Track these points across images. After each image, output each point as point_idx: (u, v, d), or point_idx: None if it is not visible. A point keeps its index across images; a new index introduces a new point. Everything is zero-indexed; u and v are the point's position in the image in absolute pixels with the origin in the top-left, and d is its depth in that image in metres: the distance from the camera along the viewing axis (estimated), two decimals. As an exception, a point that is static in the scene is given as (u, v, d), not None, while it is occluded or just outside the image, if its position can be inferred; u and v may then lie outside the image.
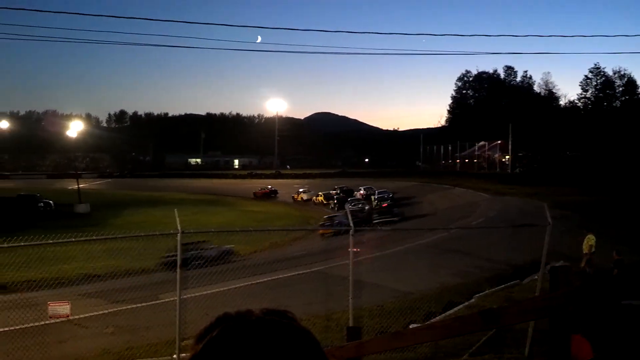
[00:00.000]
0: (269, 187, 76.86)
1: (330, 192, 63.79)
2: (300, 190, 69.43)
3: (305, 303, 15.92)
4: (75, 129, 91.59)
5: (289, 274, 21.58)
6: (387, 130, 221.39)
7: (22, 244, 9.36)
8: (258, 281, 20.25)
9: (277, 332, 0.99)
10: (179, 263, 9.51)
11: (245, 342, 0.96)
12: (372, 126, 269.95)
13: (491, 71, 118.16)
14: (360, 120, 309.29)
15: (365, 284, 16.42)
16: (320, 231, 34.18)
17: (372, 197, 57.68)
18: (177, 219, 9.49)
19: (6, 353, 10.48)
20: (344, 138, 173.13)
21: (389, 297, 17.44)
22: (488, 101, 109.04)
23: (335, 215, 43.36)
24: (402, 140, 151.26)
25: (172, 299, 12.16)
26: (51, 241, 10.16)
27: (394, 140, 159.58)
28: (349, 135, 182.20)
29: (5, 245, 8.97)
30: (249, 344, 0.96)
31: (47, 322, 11.10)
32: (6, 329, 11.70)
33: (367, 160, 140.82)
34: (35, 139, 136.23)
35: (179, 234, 9.37)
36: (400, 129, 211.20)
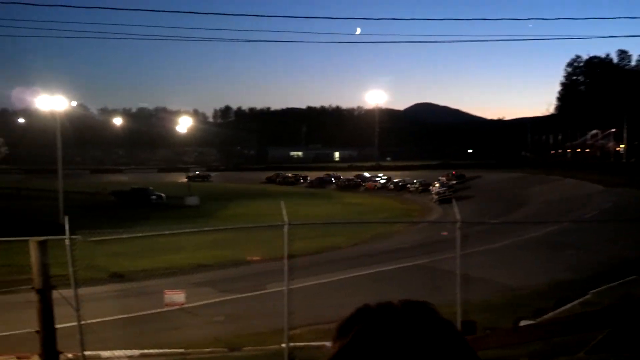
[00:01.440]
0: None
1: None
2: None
3: (409, 296, 15.71)
4: (184, 124, 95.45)
5: (392, 267, 21.40)
6: (492, 119, 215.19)
7: (141, 234, 9.83)
8: (361, 273, 20.24)
9: (423, 324, 0.97)
10: (285, 255, 9.64)
11: (394, 334, 0.94)
12: (475, 116, 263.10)
13: (603, 56, 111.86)
14: (463, 110, 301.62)
15: (472, 278, 15.98)
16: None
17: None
18: (284, 211, 9.62)
19: (124, 338, 11.07)
20: (445, 129, 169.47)
21: (496, 291, 16.89)
22: (600, 87, 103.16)
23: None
24: (507, 130, 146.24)
25: (278, 289, 12.40)
26: (167, 232, 10.61)
27: (499, 130, 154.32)
28: (451, 126, 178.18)
29: (125, 235, 9.47)
30: (397, 335, 0.94)
31: (161, 309, 11.62)
32: (125, 315, 12.40)
33: (470, 151, 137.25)
34: (146, 134, 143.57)
35: (286, 226, 9.49)
36: (506, 118, 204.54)
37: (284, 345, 9.76)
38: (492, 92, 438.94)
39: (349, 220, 24.50)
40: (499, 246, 24.91)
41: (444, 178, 66.30)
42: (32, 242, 6.56)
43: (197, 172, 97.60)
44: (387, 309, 1.00)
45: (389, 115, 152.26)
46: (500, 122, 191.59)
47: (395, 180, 73.04)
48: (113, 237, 9.94)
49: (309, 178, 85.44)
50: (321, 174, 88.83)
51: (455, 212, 10.57)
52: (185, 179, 68.03)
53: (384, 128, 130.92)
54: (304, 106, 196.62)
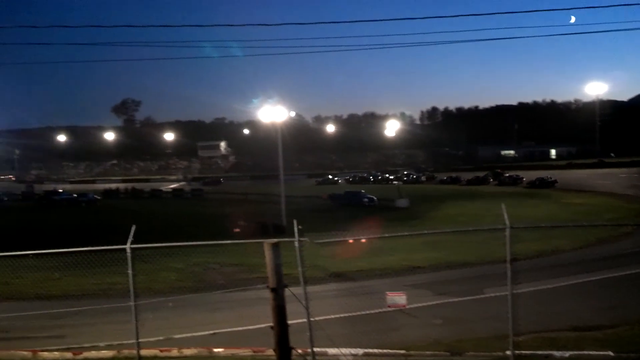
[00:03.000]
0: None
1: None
2: None
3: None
4: (391, 128, 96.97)
5: (622, 273, 19.50)
6: None
7: (362, 237, 10.08)
8: (588, 279, 18.75)
9: None
10: (508, 258, 9.24)
11: None
12: None
13: None
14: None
15: None
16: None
17: None
18: (505, 214, 9.24)
19: (347, 336, 11.44)
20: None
21: None
22: None
23: None
24: None
25: (498, 293, 11.96)
26: (387, 235, 10.76)
27: None
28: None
29: (349, 239, 9.79)
30: None
31: (381, 310, 11.81)
32: (347, 314, 12.86)
33: None
34: (356, 139, 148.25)
35: (507, 229, 9.11)
36: None
37: (508, 352, 9.37)
38: None
39: (577, 223, 22.78)
40: None
41: None
42: (266, 244, 7.01)
43: (406, 174, 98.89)
44: None
45: (611, 107, 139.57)
46: None
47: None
48: (338, 239, 10.36)
49: (523, 178, 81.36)
50: (537, 172, 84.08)
51: None
52: (395, 181, 68.90)
53: (606, 121, 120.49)
54: (514, 102, 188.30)
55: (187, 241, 16.17)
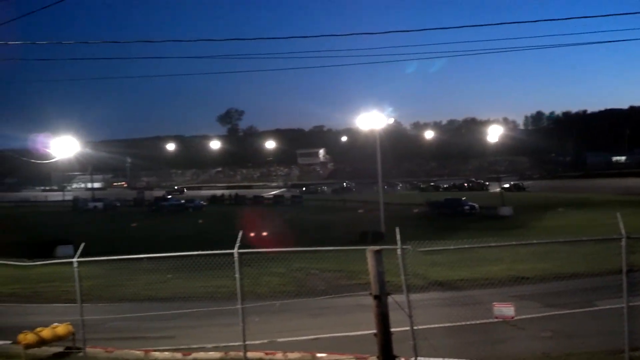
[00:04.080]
0: None
1: None
2: None
3: None
4: (493, 133, 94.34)
5: None
6: None
7: (467, 245, 9.91)
8: None
9: None
10: (624, 269, 8.75)
11: None
12: None
13: None
14: None
15: None
16: None
17: None
18: (621, 223, 8.76)
19: (451, 346, 11.23)
20: None
21: None
22: None
23: None
24: None
25: (611, 306, 11.35)
26: (493, 244, 10.52)
27: None
28: None
29: (452, 247, 9.64)
30: None
31: (485, 320, 11.51)
32: (451, 324, 12.61)
33: None
34: (457, 146, 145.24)
35: (623, 239, 8.64)
36: None
37: (625, 368, 8.86)
38: None
39: None
40: None
41: None
42: (369, 251, 7.05)
43: (511, 182, 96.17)
44: None
45: None
46: None
47: None
48: (441, 247, 10.23)
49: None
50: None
51: None
52: (498, 189, 67.05)
53: None
54: (625, 106, 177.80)
55: (286, 247, 16.53)
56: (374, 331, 7.06)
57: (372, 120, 48.77)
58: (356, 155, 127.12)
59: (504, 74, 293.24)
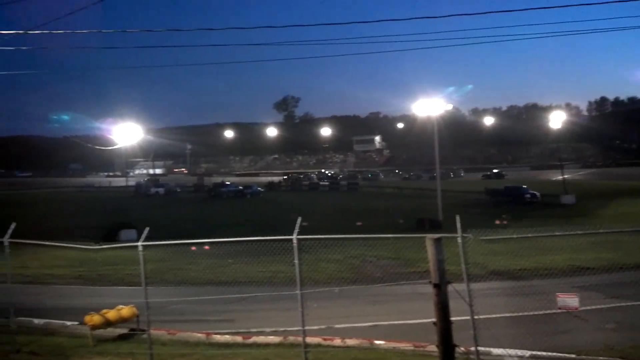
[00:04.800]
0: None
1: None
2: None
3: None
4: (556, 120, 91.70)
5: None
6: None
7: (530, 235, 9.70)
8: None
9: None
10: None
11: None
12: None
13: None
14: None
15: None
16: None
17: None
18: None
19: (513, 337, 11.06)
20: None
21: None
22: None
23: None
24: None
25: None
26: (558, 233, 10.21)
27: None
28: None
29: (514, 236, 9.46)
30: None
31: (548, 311, 11.27)
32: (512, 314, 12.42)
33: None
34: (517, 132, 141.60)
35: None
36: None
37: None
38: None
39: None
40: None
41: None
42: (429, 239, 6.99)
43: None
44: None
45: None
46: None
47: None
48: (504, 236, 10.05)
49: None
50: None
51: None
52: (561, 177, 65.22)
53: None
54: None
55: (342, 234, 16.56)
56: (433, 320, 7.02)
57: (430, 106, 48.13)
58: (413, 142, 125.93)
59: (567, 59, 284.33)
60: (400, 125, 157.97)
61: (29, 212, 52.56)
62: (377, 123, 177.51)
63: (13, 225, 12.69)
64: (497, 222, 35.58)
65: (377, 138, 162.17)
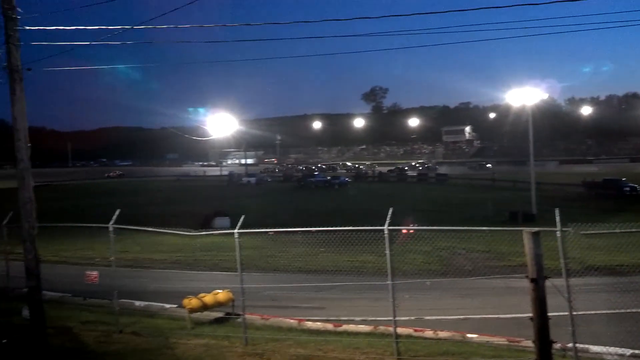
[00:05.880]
0: None
1: None
2: None
3: None
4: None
5: None
6: None
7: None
8: None
9: None
10: None
11: None
12: None
13: None
14: None
15: None
16: None
17: None
18: None
19: (612, 335, 10.65)
20: None
21: None
22: None
23: None
24: None
25: None
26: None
27: None
28: None
29: (617, 230, 9.10)
30: None
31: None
32: (611, 311, 11.88)
33: None
34: (616, 123, 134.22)
35: None
36: None
37: None
38: None
39: None
40: None
41: None
42: (526, 233, 6.87)
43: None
44: None
45: None
46: None
47: None
48: (607, 231, 9.67)
49: None
50: None
51: None
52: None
53: None
54: None
55: (430, 225, 16.42)
56: (529, 315, 6.91)
57: (524, 95, 46.54)
58: (505, 133, 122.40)
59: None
60: (491, 115, 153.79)
61: (130, 199, 55.50)
62: (467, 113, 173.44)
63: (117, 212, 13.45)
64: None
65: (467, 128, 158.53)
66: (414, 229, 17.72)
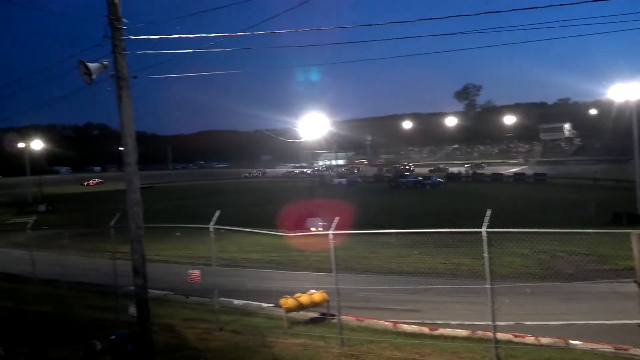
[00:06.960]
0: None
1: None
2: None
3: None
4: None
5: None
6: None
7: None
8: None
9: None
10: None
11: None
12: None
13: None
14: None
15: None
16: None
17: None
18: None
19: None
20: None
21: None
22: None
23: None
24: None
25: None
26: None
27: None
28: None
29: None
30: None
31: None
32: None
33: None
34: None
35: None
36: None
37: None
38: None
39: None
40: None
41: None
42: (634, 235, 6.53)
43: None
44: None
45: None
46: None
47: None
48: None
49: None
50: None
51: None
52: None
53: None
54: None
55: (529, 227, 15.86)
56: (638, 321, 6.58)
57: (628, 90, 44.07)
58: (608, 130, 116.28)
59: None
60: (592, 112, 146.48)
61: (228, 199, 57.36)
62: (565, 110, 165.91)
63: (217, 213, 13.92)
64: None
65: (567, 126, 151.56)
66: (515, 232, 17.19)
